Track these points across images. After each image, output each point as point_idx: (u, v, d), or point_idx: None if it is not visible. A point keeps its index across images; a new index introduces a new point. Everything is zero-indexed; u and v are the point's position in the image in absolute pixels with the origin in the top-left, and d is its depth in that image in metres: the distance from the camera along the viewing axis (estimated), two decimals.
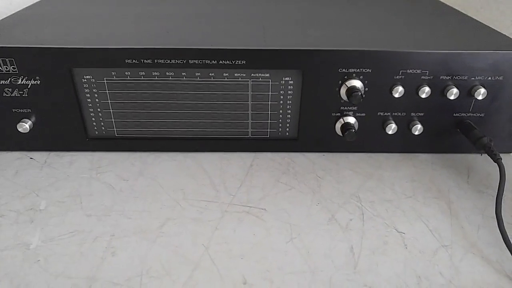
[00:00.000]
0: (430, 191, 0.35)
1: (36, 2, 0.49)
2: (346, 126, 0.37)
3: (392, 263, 0.28)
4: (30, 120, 0.37)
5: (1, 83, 0.35)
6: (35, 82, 0.35)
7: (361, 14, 0.46)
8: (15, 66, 0.35)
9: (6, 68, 0.35)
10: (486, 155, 0.35)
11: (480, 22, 0.43)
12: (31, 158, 0.38)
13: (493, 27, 0.42)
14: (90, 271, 0.27)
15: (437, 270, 0.27)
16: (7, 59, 0.34)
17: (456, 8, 0.52)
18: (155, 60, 0.34)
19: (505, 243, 0.29)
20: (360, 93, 0.34)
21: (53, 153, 0.39)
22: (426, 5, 0.51)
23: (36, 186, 0.35)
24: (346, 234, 0.30)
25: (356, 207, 0.33)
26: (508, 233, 0.29)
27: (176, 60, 0.34)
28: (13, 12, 0.45)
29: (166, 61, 0.34)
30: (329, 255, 0.28)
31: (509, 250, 0.28)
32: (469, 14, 0.49)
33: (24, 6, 0.50)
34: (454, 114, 0.37)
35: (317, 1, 0.51)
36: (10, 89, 0.36)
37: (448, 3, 0.57)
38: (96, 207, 0.33)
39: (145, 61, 0.34)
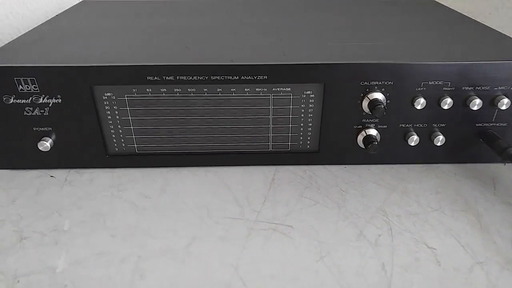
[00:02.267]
0: (456, 204, 0.34)
1: (51, 18, 0.49)
2: (368, 139, 0.37)
3: (427, 281, 0.27)
4: (50, 138, 0.37)
5: (22, 102, 0.35)
6: (56, 100, 0.35)
7: (376, 25, 0.46)
8: (37, 85, 0.34)
9: (28, 88, 0.35)
10: (510, 164, 0.35)
11: (497, 31, 0.43)
12: (51, 176, 0.38)
13: (503, 33, 0.42)
14: None
15: None
16: (28, 79, 0.34)
17: (465, 14, 0.52)
18: (177, 77, 0.34)
19: None
20: (383, 106, 0.34)
21: (72, 171, 0.39)
22: (439, 14, 0.51)
23: (58, 205, 0.34)
24: (376, 251, 0.30)
25: (384, 221, 0.33)
26: None
27: (198, 77, 0.34)
28: (29, 29, 0.46)
29: (188, 77, 0.34)
30: (361, 273, 0.28)
31: None
32: (478, 20, 0.49)
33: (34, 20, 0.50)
34: (477, 124, 0.37)
35: (330, 13, 0.51)
36: (31, 108, 0.36)
37: (457, 10, 0.57)
38: (120, 226, 0.32)
39: (167, 77, 0.34)
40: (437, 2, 0.59)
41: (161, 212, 0.34)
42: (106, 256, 0.29)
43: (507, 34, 0.43)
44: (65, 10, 0.54)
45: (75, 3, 0.66)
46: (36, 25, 0.69)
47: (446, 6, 0.56)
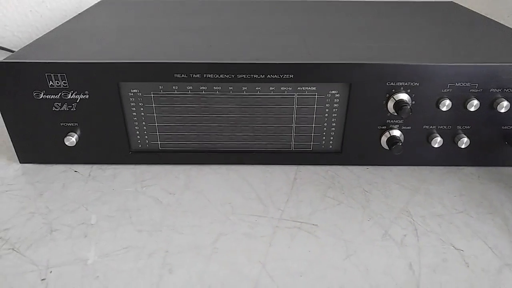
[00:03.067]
0: (482, 206, 0.34)
1: (73, 17, 0.50)
2: (392, 140, 0.37)
3: (456, 282, 0.27)
4: (76, 133, 0.38)
5: (51, 97, 0.36)
6: (84, 96, 0.36)
7: (398, 26, 0.46)
8: (66, 81, 0.35)
9: (57, 83, 0.35)
10: None
11: None
12: (75, 171, 0.39)
13: None
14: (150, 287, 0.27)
15: None
16: (59, 74, 0.35)
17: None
18: (204, 75, 0.35)
19: None
20: (409, 106, 0.34)
21: (95, 166, 0.39)
22: (460, 15, 0.51)
23: (84, 200, 0.35)
24: (402, 251, 0.30)
25: (408, 222, 0.33)
26: None
27: (225, 75, 0.35)
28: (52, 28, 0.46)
29: (215, 75, 0.35)
30: (389, 272, 0.28)
31: None
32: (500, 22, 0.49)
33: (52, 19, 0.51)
34: (503, 127, 0.37)
35: (351, 14, 0.52)
36: (59, 104, 0.36)
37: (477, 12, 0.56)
38: (146, 222, 0.33)
39: (194, 75, 0.35)
40: (456, 3, 0.59)
41: (186, 208, 0.34)
42: (134, 250, 0.30)
43: None
44: (86, 10, 0.54)
45: (93, 3, 0.67)
46: (55, 24, 0.71)
47: (466, 7, 0.56)
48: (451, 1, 0.60)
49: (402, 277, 0.28)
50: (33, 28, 0.70)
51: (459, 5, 0.58)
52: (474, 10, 0.57)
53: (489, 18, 0.50)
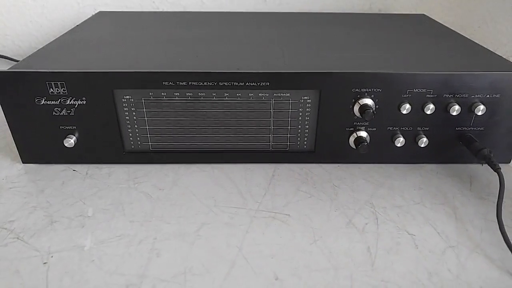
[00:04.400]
0: (436, 198, 0.38)
1: (72, 28, 0.54)
2: (359, 140, 0.41)
3: (405, 261, 0.31)
4: (74, 136, 0.41)
5: (51, 103, 0.40)
6: (82, 102, 0.40)
7: (368, 38, 0.51)
8: (65, 89, 0.39)
9: (57, 91, 0.39)
10: (486, 165, 0.39)
11: (478, 44, 0.48)
12: (74, 170, 0.42)
13: (490, 45, 0.46)
14: (139, 269, 0.30)
15: (445, 267, 0.31)
16: (58, 82, 0.39)
17: (455, 26, 0.56)
18: (189, 82, 0.39)
19: (506, 243, 0.32)
20: (372, 110, 0.38)
21: (92, 166, 0.43)
22: (428, 28, 0.56)
23: (82, 195, 0.39)
24: (363, 236, 0.34)
25: (371, 212, 0.37)
26: (508, 235, 0.32)
27: (208, 82, 0.39)
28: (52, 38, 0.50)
29: (199, 83, 0.39)
30: (349, 254, 0.32)
31: (510, 250, 0.32)
32: (467, 32, 0.53)
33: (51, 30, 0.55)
34: (456, 128, 0.41)
35: (327, 26, 0.56)
36: (59, 109, 0.40)
37: (447, 23, 0.61)
38: (137, 214, 0.36)
39: (181, 83, 0.39)
40: (428, 16, 0.64)
41: (173, 202, 0.38)
42: (126, 238, 0.34)
43: (495, 46, 0.47)
44: (84, 21, 0.58)
45: (91, 14, 0.71)
46: (54, 33, 0.74)
47: (436, 20, 0.61)
48: (423, 14, 0.65)
49: (360, 257, 0.32)
50: (32, 37, 0.74)
51: (430, 17, 0.63)
52: (446, 22, 0.61)
53: (454, 30, 0.54)
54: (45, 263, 0.31)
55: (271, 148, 0.43)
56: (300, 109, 0.41)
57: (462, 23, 0.73)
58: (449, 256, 0.32)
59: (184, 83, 0.39)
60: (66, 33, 0.52)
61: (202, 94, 0.40)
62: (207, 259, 0.31)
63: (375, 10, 0.71)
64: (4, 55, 0.73)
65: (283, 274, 0.30)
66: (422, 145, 0.42)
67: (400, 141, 0.41)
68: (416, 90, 0.39)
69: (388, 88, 0.39)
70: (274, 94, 0.40)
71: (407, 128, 0.42)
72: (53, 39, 0.49)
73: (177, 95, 0.40)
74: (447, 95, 0.40)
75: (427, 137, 0.41)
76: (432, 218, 0.36)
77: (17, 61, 0.71)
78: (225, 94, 0.40)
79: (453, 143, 0.42)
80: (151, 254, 0.32)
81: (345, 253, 0.32)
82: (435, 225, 0.35)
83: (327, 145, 0.42)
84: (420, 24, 0.58)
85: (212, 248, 0.33)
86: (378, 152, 0.43)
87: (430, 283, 0.29)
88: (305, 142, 0.43)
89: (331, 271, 0.31)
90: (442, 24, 0.58)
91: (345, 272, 0.30)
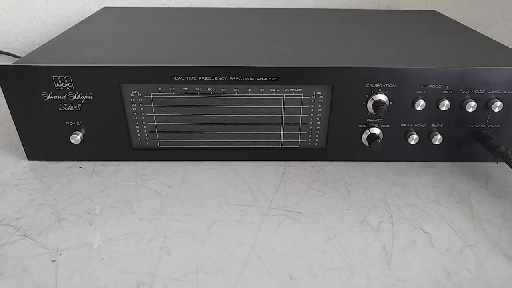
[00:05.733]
0: (451, 196, 0.38)
1: (77, 24, 0.53)
2: (372, 137, 0.40)
3: (422, 260, 0.30)
4: (81, 132, 0.41)
5: (58, 98, 0.39)
6: (88, 97, 0.39)
7: (381, 33, 0.50)
8: (72, 83, 0.38)
9: (64, 85, 0.38)
10: (501, 163, 0.38)
11: (493, 40, 0.47)
12: (80, 167, 0.42)
13: (501, 43, 0.45)
14: (150, 267, 0.30)
15: (464, 266, 0.30)
16: (65, 77, 0.38)
17: (465, 23, 0.56)
18: (199, 77, 0.38)
19: None
20: (386, 106, 0.38)
21: (99, 163, 0.42)
22: (441, 23, 0.55)
23: (89, 192, 0.38)
24: (378, 235, 0.33)
25: (385, 210, 0.36)
26: None
27: (218, 77, 0.38)
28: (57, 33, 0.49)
29: (209, 78, 0.38)
30: (364, 253, 0.31)
31: None
32: (477, 30, 0.52)
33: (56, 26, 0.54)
34: (472, 125, 0.40)
35: (337, 22, 0.55)
36: (65, 104, 0.39)
37: (458, 20, 0.60)
38: (146, 211, 0.36)
39: (190, 78, 0.38)
40: (438, 12, 0.63)
41: (183, 200, 0.37)
42: (135, 236, 0.33)
43: (506, 44, 0.46)
44: (88, 17, 0.58)
45: (96, 10, 0.70)
46: (57, 30, 0.74)
47: (447, 16, 0.60)
48: (434, 10, 0.64)
49: (376, 256, 0.31)
50: (36, 34, 0.74)
51: (441, 13, 0.62)
52: (456, 19, 0.60)
53: (466, 26, 0.53)
54: (53, 261, 0.30)
55: (281, 146, 0.42)
56: (312, 105, 0.40)
57: (472, 20, 0.72)
58: (467, 255, 0.31)
59: (193, 78, 0.38)
60: (71, 28, 0.51)
61: (212, 89, 0.39)
62: (219, 258, 0.31)
63: (384, 6, 0.70)
64: (8, 51, 0.72)
65: (298, 273, 0.29)
66: (436, 143, 0.41)
67: (413, 139, 0.41)
68: (431, 86, 0.39)
69: (403, 83, 0.38)
70: (285, 90, 0.39)
71: (421, 125, 0.41)
72: (57, 35, 0.49)
73: (186, 91, 0.39)
74: (463, 91, 0.39)
75: (441, 134, 0.40)
76: (448, 217, 0.35)
77: (21, 57, 0.71)
78: (235, 90, 0.39)
79: (467, 141, 0.41)
80: (162, 252, 0.31)
81: (360, 251, 0.31)
82: (452, 223, 0.34)
83: (339, 142, 0.42)
84: (432, 20, 0.57)
85: (224, 247, 0.32)
86: (391, 150, 0.42)
87: (449, 283, 0.28)
88: (317, 139, 0.42)
89: (346, 270, 0.30)
90: (454, 20, 0.57)
91: (361, 271, 0.30)
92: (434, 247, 0.32)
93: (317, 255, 0.31)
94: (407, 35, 0.49)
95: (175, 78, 0.38)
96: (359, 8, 0.71)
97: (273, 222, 0.34)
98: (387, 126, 0.41)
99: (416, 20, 0.57)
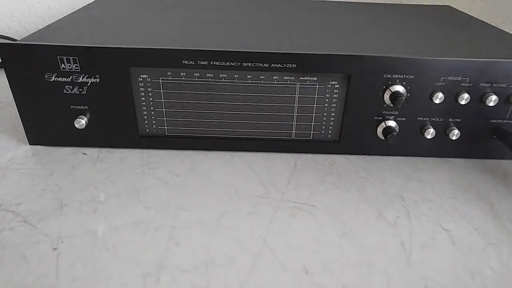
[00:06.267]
0: (469, 193, 0.36)
1: (84, 6, 0.51)
2: (388, 130, 0.39)
3: (443, 258, 0.29)
4: (86, 116, 0.39)
5: (63, 80, 0.37)
6: (95, 80, 0.37)
7: (398, 25, 0.48)
8: (78, 65, 0.37)
9: (69, 66, 0.37)
10: None
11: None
12: (84, 153, 0.40)
13: None
14: (157, 258, 0.28)
15: (487, 265, 0.28)
16: (71, 58, 0.36)
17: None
18: (211, 62, 0.36)
19: None
20: (404, 97, 0.36)
21: (104, 150, 0.41)
22: (455, 17, 0.54)
23: (93, 179, 0.36)
24: (395, 230, 0.32)
25: (401, 206, 0.34)
26: None
27: (231, 63, 0.36)
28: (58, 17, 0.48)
29: (221, 63, 0.36)
30: (382, 249, 0.30)
31: None
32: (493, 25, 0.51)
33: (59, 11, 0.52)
34: (491, 121, 0.39)
35: (350, 13, 0.54)
36: (70, 86, 0.38)
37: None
38: (153, 200, 0.34)
39: (202, 62, 0.36)
40: (452, 7, 0.61)
41: (192, 189, 0.36)
42: (142, 225, 0.31)
43: None
44: (95, 0, 0.56)
45: None
46: (62, 15, 0.72)
47: (462, 11, 0.58)
48: (448, 5, 0.63)
49: (394, 252, 0.29)
50: (40, 19, 0.72)
51: (455, 8, 0.60)
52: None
53: (483, 21, 0.52)
54: (55, 248, 0.29)
55: (293, 137, 0.41)
56: (326, 95, 0.38)
57: (485, 18, 0.71)
58: (490, 254, 0.29)
59: (205, 62, 0.36)
60: (78, 10, 0.49)
61: (224, 75, 0.38)
62: (230, 250, 0.29)
63: (396, 0, 0.68)
64: (11, 37, 0.71)
65: (313, 268, 0.28)
66: (454, 138, 0.39)
67: (430, 133, 0.39)
68: (451, 78, 0.37)
69: (421, 75, 0.37)
70: (300, 78, 0.38)
71: (438, 119, 0.39)
72: (64, 16, 0.47)
73: (197, 76, 0.38)
74: (484, 84, 0.37)
75: (459, 129, 0.39)
76: (467, 214, 0.34)
77: None
78: (248, 76, 0.38)
79: (486, 137, 0.40)
80: (170, 243, 0.30)
81: (378, 247, 0.30)
82: (472, 221, 0.33)
83: (353, 134, 0.40)
84: (447, 14, 0.56)
85: (235, 238, 0.30)
86: (406, 144, 0.41)
87: (473, 282, 0.27)
88: (330, 131, 0.40)
89: (364, 266, 0.28)
90: (469, 15, 0.56)
91: (379, 267, 0.28)
92: (454, 244, 0.30)
93: (333, 249, 0.30)
94: (424, 27, 0.48)
95: (186, 62, 0.36)
96: (369, 1, 0.69)
97: (286, 214, 0.33)
98: (403, 119, 0.39)
99: (431, 13, 0.56)
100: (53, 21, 0.47)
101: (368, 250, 0.30)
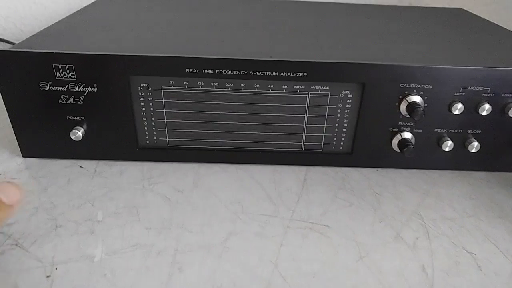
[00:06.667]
0: (492, 211, 0.34)
1: (81, 9, 0.49)
2: (404, 142, 0.36)
3: (469, 285, 0.27)
4: (82, 127, 0.37)
5: (58, 89, 0.35)
6: (92, 89, 0.35)
7: (408, 30, 0.46)
8: (74, 73, 0.34)
9: (65, 75, 0.34)
10: None
11: None
12: (80, 166, 0.38)
13: None
14: (159, 286, 0.26)
15: None
16: (66, 66, 0.34)
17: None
18: (216, 71, 0.34)
19: None
20: (422, 109, 0.34)
21: (101, 162, 0.39)
22: (470, 21, 0.52)
23: (90, 195, 0.34)
24: (415, 253, 0.29)
25: (420, 225, 0.32)
26: None
27: (238, 71, 0.34)
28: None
29: (227, 71, 0.34)
30: (402, 274, 0.28)
31: None
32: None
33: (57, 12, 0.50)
34: None
35: (361, 16, 0.51)
36: (66, 96, 0.35)
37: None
38: (154, 219, 0.32)
39: (206, 71, 0.34)
40: (465, 10, 0.59)
41: (195, 206, 0.33)
42: (142, 248, 0.29)
43: None
44: (93, 2, 0.54)
45: None
46: (59, 17, 0.69)
47: (475, 14, 0.56)
48: (460, 8, 0.60)
49: (415, 278, 0.27)
50: (36, 21, 0.69)
51: (468, 11, 0.58)
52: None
53: (497, 24, 0.50)
54: (48, 276, 0.26)
55: (302, 149, 0.39)
56: (339, 105, 0.36)
57: (497, 20, 0.69)
58: None
59: (210, 71, 0.34)
60: (74, 13, 0.47)
61: (230, 84, 0.35)
62: (238, 276, 0.27)
63: (405, 3, 0.66)
64: (5, 39, 0.68)
65: None
66: (473, 150, 0.37)
67: (448, 145, 0.37)
68: (472, 87, 0.35)
69: (440, 84, 0.35)
70: (311, 87, 0.35)
71: (456, 131, 0.37)
72: (59, 20, 0.45)
73: (201, 85, 0.35)
74: (507, 94, 0.35)
75: (478, 142, 0.37)
76: (491, 234, 0.31)
77: None
78: (255, 85, 0.35)
79: (507, 149, 0.38)
80: (173, 269, 0.27)
81: (397, 272, 0.28)
82: (496, 242, 0.31)
83: (366, 146, 0.38)
84: (460, 18, 0.53)
85: (243, 263, 0.28)
86: (422, 157, 0.38)
87: None
88: (342, 143, 0.38)
89: None
90: (483, 18, 0.53)
91: None
92: (480, 269, 0.28)
93: (349, 275, 0.27)
94: (439, 32, 0.45)
95: (189, 70, 0.34)
96: (379, 3, 0.67)
97: (297, 235, 0.31)
98: (419, 130, 0.37)
99: (444, 16, 0.54)
100: (49, 23, 0.45)
101: (387, 275, 0.27)
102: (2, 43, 0.68)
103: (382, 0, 0.67)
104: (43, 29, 0.40)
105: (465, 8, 0.63)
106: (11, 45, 0.66)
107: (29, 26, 0.71)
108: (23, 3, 0.67)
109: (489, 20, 0.55)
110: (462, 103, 0.35)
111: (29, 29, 0.71)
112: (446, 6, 0.67)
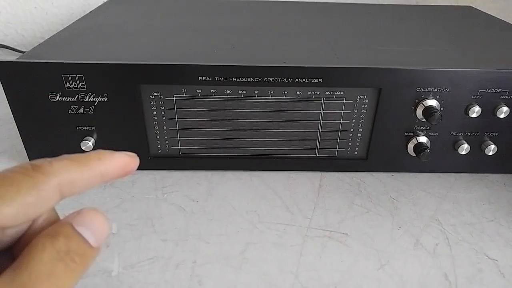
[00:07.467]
0: (511, 214, 0.34)
1: (86, 14, 0.48)
2: (420, 146, 0.36)
3: None
4: (93, 138, 0.36)
5: (68, 100, 0.34)
6: (103, 99, 0.34)
7: (420, 30, 0.45)
8: (84, 83, 0.34)
9: (75, 85, 0.34)
10: None
11: None
12: None
13: None
14: None
15: None
16: (76, 76, 0.33)
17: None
18: (230, 78, 0.33)
19: None
20: (439, 113, 0.34)
21: None
22: (480, 20, 0.51)
23: (103, 207, 0.34)
24: (436, 260, 0.29)
25: (439, 231, 0.32)
26: None
27: (252, 78, 0.33)
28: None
29: (241, 78, 0.33)
30: (424, 283, 0.27)
31: None
32: None
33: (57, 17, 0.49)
34: None
35: (368, 15, 0.51)
36: (76, 106, 0.35)
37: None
38: (170, 230, 0.31)
39: (219, 78, 0.33)
40: (473, 7, 0.58)
41: (211, 216, 0.33)
42: (160, 260, 0.29)
43: None
44: (98, 7, 0.53)
45: (103, 0, 0.65)
46: (61, 22, 0.69)
47: (484, 12, 0.55)
48: (469, 6, 0.60)
49: (438, 287, 0.27)
50: (38, 26, 0.69)
51: (477, 9, 0.58)
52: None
53: (508, 22, 0.49)
54: None
55: (317, 154, 0.38)
56: (354, 110, 0.36)
57: (506, 17, 0.68)
58: None
59: (223, 78, 0.33)
60: (79, 19, 0.46)
61: (243, 91, 0.35)
62: None
63: (412, 1, 0.65)
64: (6, 45, 0.67)
65: None
66: (490, 153, 0.37)
67: (464, 148, 0.36)
68: (489, 90, 0.34)
69: (457, 88, 0.34)
70: (326, 92, 0.35)
71: (473, 134, 0.37)
72: (60, 27, 0.44)
73: (214, 92, 0.35)
74: None
75: (495, 144, 0.36)
76: None
77: (21, 51, 0.66)
78: (269, 92, 0.35)
79: None
80: (192, 282, 0.27)
81: (419, 281, 0.27)
82: None
83: (381, 151, 0.37)
84: (470, 16, 0.53)
85: (263, 275, 0.28)
86: (438, 160, 0.38)
87: None
88: (357, 148, 0.38)
89: None
90: (493, 16, 0.53)
91: None
92: (504, 276, 0.28)
93: (371, 285, 0.27)
94: (449, 33, 0.45)
95: (202, 78, 0.34)
96: (386, 3, 0.66)
97: (316, 244, 0.30)
98: (435, 134, 0.37)
99: (454, 15, 0.53)
100: (51, 28, 0.44)
101: (410, 284, 0.27)
102: (3, 49, 0.67)
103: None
104: (50, 38, 0.39)
105: (473, 6, 0.62)
106: (12, 51, 0.66)
107: (31, 31, 0.70)
108: (24, 8, 0.66)
109: (498, 17, 0.54)
110: (479, 106, 0.35)
111: (31, 34, 0.70)
112: (454, 4, 0.66)
